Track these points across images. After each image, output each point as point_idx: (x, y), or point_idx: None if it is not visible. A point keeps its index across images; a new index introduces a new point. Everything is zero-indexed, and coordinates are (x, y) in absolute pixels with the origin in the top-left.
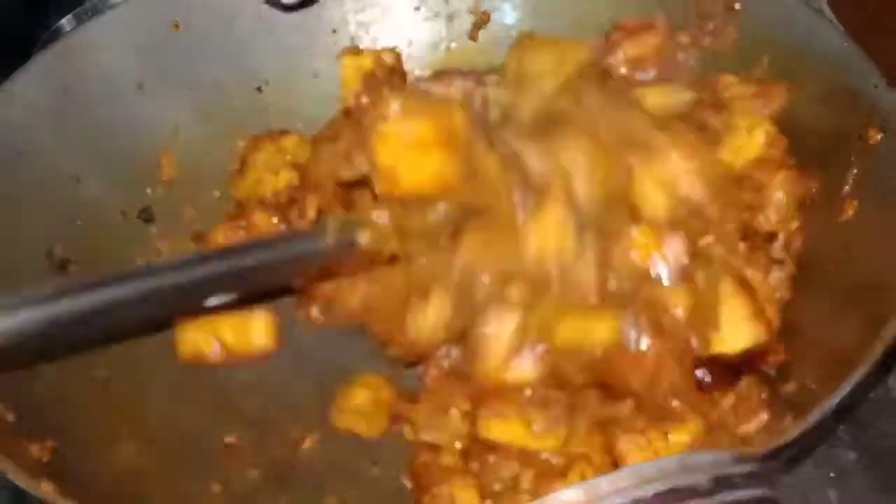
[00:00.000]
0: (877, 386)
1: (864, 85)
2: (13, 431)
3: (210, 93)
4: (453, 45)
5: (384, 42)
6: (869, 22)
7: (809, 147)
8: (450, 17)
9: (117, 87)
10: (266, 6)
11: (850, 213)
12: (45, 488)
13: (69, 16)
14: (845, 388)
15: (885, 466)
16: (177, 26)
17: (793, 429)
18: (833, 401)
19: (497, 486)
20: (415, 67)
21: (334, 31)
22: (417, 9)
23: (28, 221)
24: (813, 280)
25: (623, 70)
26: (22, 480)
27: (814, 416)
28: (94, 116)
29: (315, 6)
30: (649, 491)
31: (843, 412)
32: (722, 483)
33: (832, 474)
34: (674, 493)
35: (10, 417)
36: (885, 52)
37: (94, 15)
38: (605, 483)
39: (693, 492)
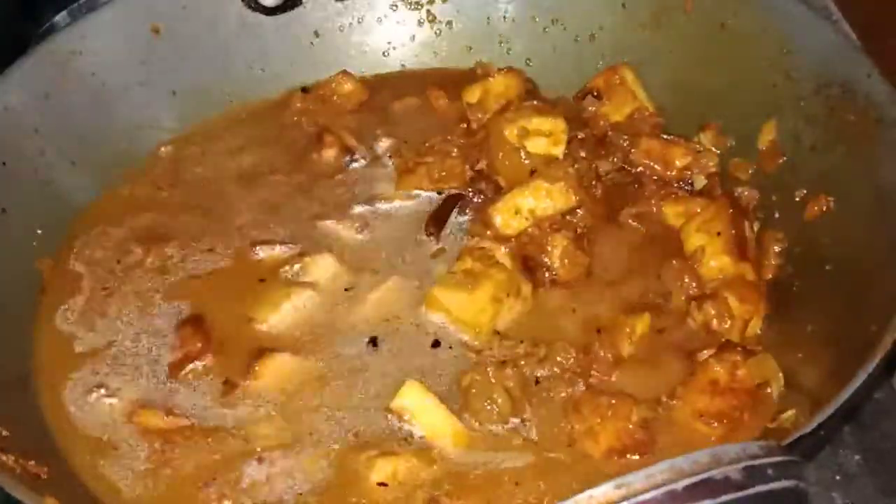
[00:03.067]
0: (881, 387)
1: (857, 75)
2: (8, 447)
3: (193, 98)
4: (436, 43)
5: (366, 44)
6: (878, 22)
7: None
8: (429, 15)
9: (100, 94)
10: (249, 11)
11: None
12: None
13: (63, 12)
14: (860, 377)
15: (889, 469)
16: (157, 31)
17: (812, 419)
18: (849, 390)
19: None
20: (397, 65)
21: (316, 34)
22: (394, 7)
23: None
24: (814, 280)
25: None
26: (22, 494)
27: (831, 406)
28: (77, 123)
29: (297, 10)
30: (683, 484)
31: (849, 411)
32: (754, 475)
33: (837, 477)
34: (708, 484)
35: (4, 433)
36: (894, 52)
37: (88, 11)
38: (639, 477)
39: (727, 484)
